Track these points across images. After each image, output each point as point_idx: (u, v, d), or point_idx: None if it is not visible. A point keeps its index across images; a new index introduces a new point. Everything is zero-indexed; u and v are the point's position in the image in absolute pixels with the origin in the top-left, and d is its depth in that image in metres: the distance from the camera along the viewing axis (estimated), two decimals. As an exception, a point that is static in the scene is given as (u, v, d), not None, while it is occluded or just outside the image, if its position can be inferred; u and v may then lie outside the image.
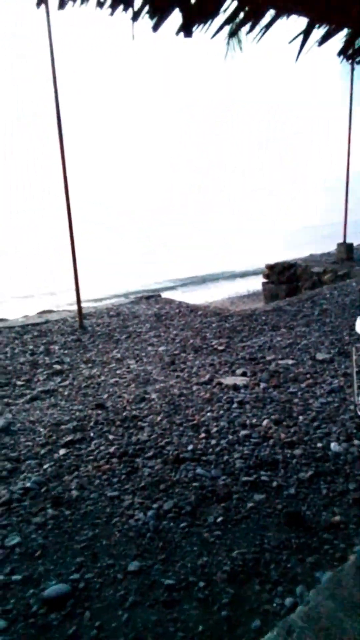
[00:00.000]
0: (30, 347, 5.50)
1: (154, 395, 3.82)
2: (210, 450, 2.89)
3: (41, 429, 3.38)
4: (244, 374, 4.22)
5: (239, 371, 4.29)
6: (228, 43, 8.36)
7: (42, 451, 3.05)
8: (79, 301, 6.09)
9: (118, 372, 4.57)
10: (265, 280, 9.32)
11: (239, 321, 6.05)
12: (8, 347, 5.48)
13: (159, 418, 3.39)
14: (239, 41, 8.26)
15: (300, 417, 3.25)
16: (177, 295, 7.78)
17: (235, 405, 3.51)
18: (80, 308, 6.11)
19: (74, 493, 2.53)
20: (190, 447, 2.92)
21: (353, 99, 8.43)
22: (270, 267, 9.07)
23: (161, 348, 5.24)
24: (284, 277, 8.74)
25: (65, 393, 4.09)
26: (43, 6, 5.09)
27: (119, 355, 5.09)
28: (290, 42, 6.12)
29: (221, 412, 3.42)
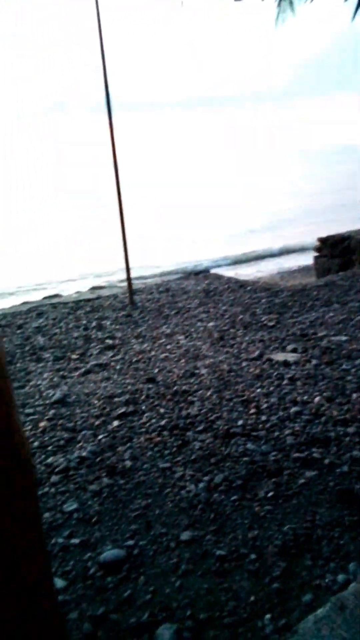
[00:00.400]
0: (84, 322, 5.65)
1: (203, 371, 3.85)
2: (261, 426, 2.89)
3: (95, 401, 3.49)
4: (294, 351, 4.16)
5: (289, 347, 4.24)
6: (279, 5, 7.99)
7: (97, 422, 3.15)
8: (129, 278, 6.16)
9: (168, 347, 4.62)
10: (317, 254, 9.07)
11: (290, 296, 5.94)
12: (62, 322, 5.65)
13: (208, 393, 3.41)
14: (291, 2, 7.89)
15: (354, 395, 3.18)
16: (226, 272, 7.71)
17: (285, 381, 3.48)
18: (130, 284, 6.19)
19: (128, 463, 2.62)
20: (240, 423, 2.93)
21: None
22: (323, 241, 8.80)
23: (210, 324, 5.24)
24: (337, 251, 8.47)
25: (117, 367, 4.18)
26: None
27: (168, 331, 5.14)
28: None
29: (271, 388, 3.40)
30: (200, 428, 2.93)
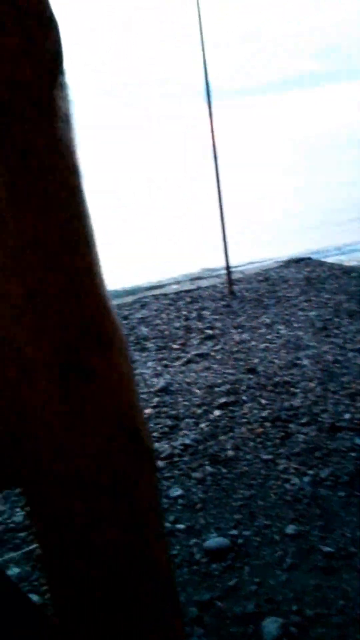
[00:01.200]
0: (184, 312, 5.76)
1: (306, 362, 3.74)
2: (370, 420, 2.75)
3: (197, 390, 3.55)
4: None
5: None
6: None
7: (199, 411, 3.20)
8: (228, 268, 6.15)
9: (268, 337, 4.55)
10: None
11: None
12: (164, 313, 5.81)
13: (312, 385, 3.31)
14: None
15: None
16: (328, 259, 7.40)
17: None
18: (229, 275, 6.17)
19: (230, 453, 2.63)
20: (347, 416, 2.81)
21: None
22: None
23: (312, 313, 5.06)
24: None
25: (218, 357, 4.21)
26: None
27: (268, 321, 5.05)
28: None
29: (381, 381, 3.21)
30: (303, 420, 2.86)
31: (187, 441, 2.80)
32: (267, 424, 2.89)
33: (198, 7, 5.28)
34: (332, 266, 6.77)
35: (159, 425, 3.09)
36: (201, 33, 5.35)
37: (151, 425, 3.12)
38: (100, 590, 0.40)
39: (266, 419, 2.95)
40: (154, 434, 2.98)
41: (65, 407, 0.37)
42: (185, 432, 2.95)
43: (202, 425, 3.01)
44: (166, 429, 3.01)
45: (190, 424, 3.04)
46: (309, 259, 7.41)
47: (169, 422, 3.12)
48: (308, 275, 6.41)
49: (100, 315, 0.40)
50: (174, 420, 3.13)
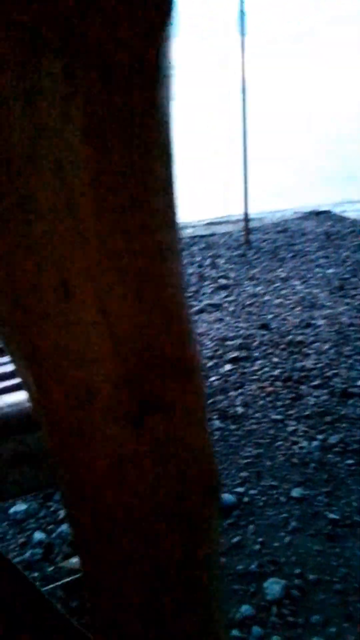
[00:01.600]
0: (198, 259, 5.63)
1: (320, 322, 3.67)
2: (382, 388, 2.72)
3: (208, 342, 3.51)
4: None
5: None
6: None
7: (210, 364, 3.18)
8: (246, 215, 5.95)
9: (282, 292, 4.46)
10: None
11: None
12: (176, 258, 5.69)
13: (326, 347, 3.27)
14: None
15: None
16: (351, 214, 7.16)
17: None
18: (247, 223, 5.98)
19: (239, 409, 2.63)
20: (359, 383, 2.78)
21: None
22: None
23: (330, 270, 4.94)
24: None
25: (231, 309, 4.15)
26: None
27: (283, 275, 4.94)
28: None
29: None
30: (315, 383, 2.84)
31: (197, 394, 2.79)
32: (278, 384, 2.87)
33: None
34: (354, 222, 6.55)
35: (169, 375, 3.08)
36: None
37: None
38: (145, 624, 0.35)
39: (277, 378, 2.93)
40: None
41: (140, 447, 0.31)
42: (195, 384, 2.93)
43: (212, 378, 2.99)
44: (176, 380, 3.00)
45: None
46: (330, 212, 7.16)
47: (178, 372, 3.10)
48: (328, 230, 6.21)
49: (182, 341, 0.33)
50: (184, 371, 3.12)
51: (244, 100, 5.47)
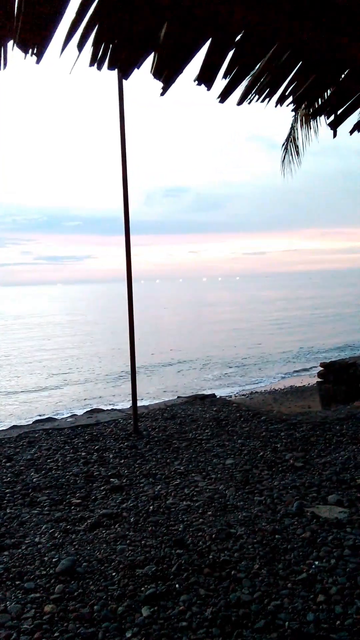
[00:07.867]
0: (82, 453, 4.99)
1: (240, 530, 3.21)
2: (339, 623, 2.25)
3: (113, 573, 2.78)
4: (339, 503, 3.58)
5: (331, 498, 3.66)
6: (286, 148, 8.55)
7: (120, 609, 2.44)
8: (134, 402, 5.64)
9: (186, 491, 3.98)
10: (320, 380, 8.76)
11: (310, 430, 5.45)
12: (58, 454, 4.97)
13: (256, 566, 2.77)
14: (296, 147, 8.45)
15: None
16: (220, 391, 7.27)
17: (347, 551, 2.87)
18: (135, 410, 5.64)
19: None
20: (311, 617, 2.28)
21: None
22: (327, 366, 8.55)
23: (228, 461, 4.65)
24: (342, 377, 8.18)
25: (132, 520, 3.50)
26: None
27: (181, 469, 4.51)
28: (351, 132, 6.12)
29: (332, 561, 2.78)
30: (260, 625, 2.26)
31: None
32: (215, 631, 2.23)
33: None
34: (239, 406, 6.58)
35: (68, 636, 2.26)
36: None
37: (56, 635, 2.27)
38: None
39: (212, 622, 2.30)
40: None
41: None
42: (108, 650, 2.16)
43: (129, 634, 2.25)
44: (84, 650, 2.19)
45: (112, 634, 2.26)
46: (214, 396, 7.20)
47: (81, 629, 2.30)
48: (217, 416, 6.10)
49: None
50: (88, 626, 2.32)
51: (129, 275, 5.57)
